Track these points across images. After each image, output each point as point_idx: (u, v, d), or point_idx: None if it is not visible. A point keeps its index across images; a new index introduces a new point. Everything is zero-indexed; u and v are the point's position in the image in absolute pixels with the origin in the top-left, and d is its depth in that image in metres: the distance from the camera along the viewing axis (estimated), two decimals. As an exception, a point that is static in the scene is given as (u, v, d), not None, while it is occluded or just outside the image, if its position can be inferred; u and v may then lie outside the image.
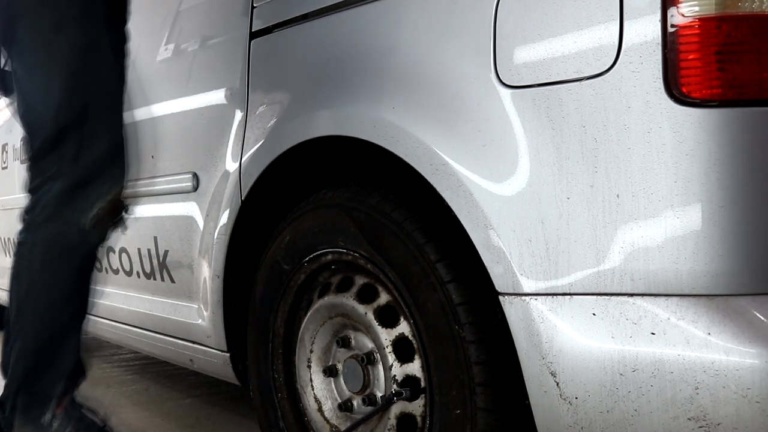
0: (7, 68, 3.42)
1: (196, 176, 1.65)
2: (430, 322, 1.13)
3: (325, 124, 1.30)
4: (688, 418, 0.88)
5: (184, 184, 1.68)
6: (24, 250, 1.31)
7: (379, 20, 1.24)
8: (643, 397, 0.91)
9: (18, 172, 2.79)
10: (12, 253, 1.38)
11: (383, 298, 1.28)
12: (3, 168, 2.97)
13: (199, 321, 1.67)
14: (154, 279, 1.85)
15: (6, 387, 1.33)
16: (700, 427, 0.88)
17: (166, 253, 1.79)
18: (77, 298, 1.33)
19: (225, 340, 1.60)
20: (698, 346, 0.87)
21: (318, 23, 1.36)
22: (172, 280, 1.78)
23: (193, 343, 1.71)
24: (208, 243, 1.60)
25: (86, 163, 1.26)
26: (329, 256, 1.34)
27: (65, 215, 1.27)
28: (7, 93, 3.18)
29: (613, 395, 0.93)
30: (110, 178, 1.28)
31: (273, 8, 1.49)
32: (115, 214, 1.31)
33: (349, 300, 1.31)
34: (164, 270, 1.80)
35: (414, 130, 1.13)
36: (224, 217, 1.55)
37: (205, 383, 2.58)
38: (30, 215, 1.31)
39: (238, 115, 1.53)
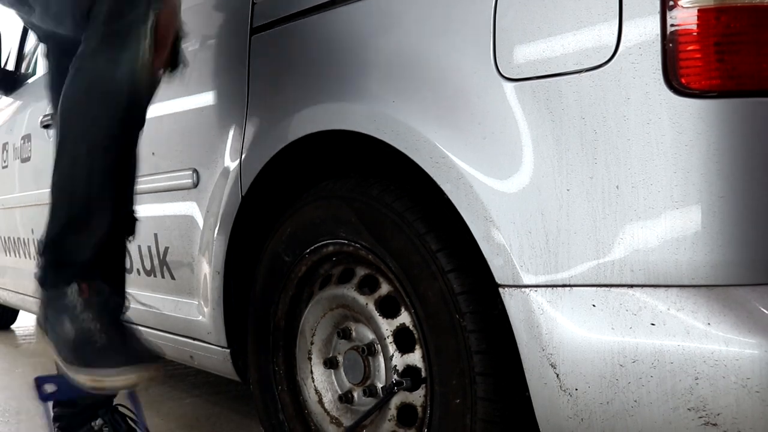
0: (7, 68, 3.43)
1: (196, 173, 1.65)
2: (431, 311, 1.13)
3: (325, 119, 1.30)
4: (688, 409, 0.88)
5: (184, 181, 1.68)
6: (68, 81, 1.26)
7: (379, 15, 1.24)
8: (643, 388, 0.91)
9: (18, 172, 2.79)
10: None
11: (384, 288, 1.28)
12: (3, 167, 2.98)
13: (200, 317, 1.67)
14: (155, 276, 1.85)
15: (42, 237, 1.30)
16: (700, 417, 0.88)
17: (166, 250, 1.79)
18: (117, 152, 1.27)
19: (225, 337, 1.60)
20: (698, 337, 0.88)
21: (318, 18, 1.36)
22: (173, 277, 1.78)
23: (194, 339, 1.71)
24: (209, 239, 1.60)
25: (119, 22, 1.23)
26: (330, 248, 1.34)
27: (108, 54, 1.22)
28: (7, 92, 3.19)
29: (613, 386, 0.93)
30: (144, 26, 1.24)
31: (273, 4, 1.50)
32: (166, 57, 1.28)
33: (350, 291, 1.31)
34: (164, 267, 1.81)
35: (414, 124, 1.13)
36: (224, 214, 1.55)
37: (205, 383, 2.58)
38: (75, 58, 1.26)
39: (239, 110, 1.54)
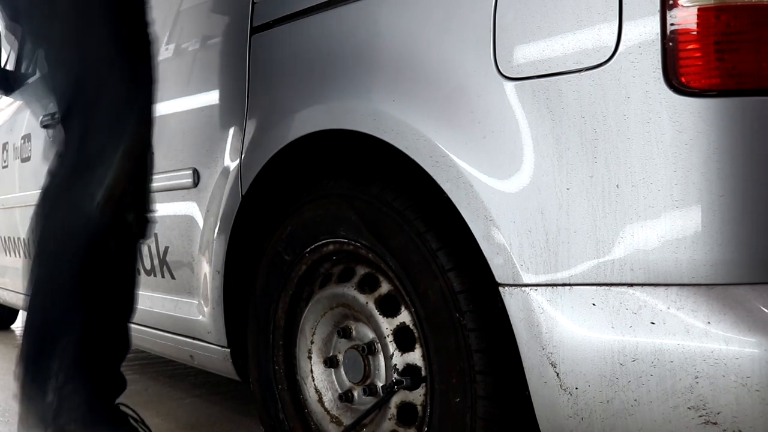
0: (8, 67, 3.42)
1: (196, 172, 1.65)
2: (431, 310, 1.13)
3: (325, 118, 1.30)
4: (688, 407, 0.88)
5: (184, 180, 1.68)
6: (37, 213, 1.33)
7: (379, 14, 1.24)
8: (643, 387, 0.91)
9: (18, 171, 2.79)
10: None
11: (384, 287, 1.28)
12: (3, 167, 2.98)
13: (200, 317, 1.67)
14: (155, 276, 1.85)
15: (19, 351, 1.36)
16: (700, 416, 0.88)
17: (166, 249, 1.79)
18: (79, 291, 1.33)
19: (225, 336, 1.60)
20: (698, 336, 0.88)
21: (318, 18, 1.37)
22: (173, 277, 1.78)
23: (194, 339, 1.72)
24: (209, 239, 1.60)
25: (89, 148, 1.27)
26: (330, 246, 1.34)
27: (70, 199, 1.28)
28: (7, 92, 3.19)
29: (613, 385, 0.93)
30: (111, 165, 1.28)
31: (273, 3, 1.50)
32: (121, 205, 1.31)
33: (350, 290, 1.32)
34: (164, 266, 1.81)
35: (414, 123, 1.13)
36: (224, 213, 1.55)
37: (205, 383, 2.57)
38: (38, 205, 1.32)
39: (239, 110, 1.54)
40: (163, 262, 1.81)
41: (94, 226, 1.28)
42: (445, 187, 1.09)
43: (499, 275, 1.03)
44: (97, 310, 1.33)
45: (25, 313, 1.38)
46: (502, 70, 1.04)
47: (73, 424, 1.29)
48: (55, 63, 1.32)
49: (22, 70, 3.29)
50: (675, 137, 0.89)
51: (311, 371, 1.42)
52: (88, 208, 1.27)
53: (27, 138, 2.69)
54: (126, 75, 1.31)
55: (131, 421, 1.68)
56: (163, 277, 1.82)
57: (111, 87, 1.29)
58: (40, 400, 1.29)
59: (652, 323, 0.90)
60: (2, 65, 3.35)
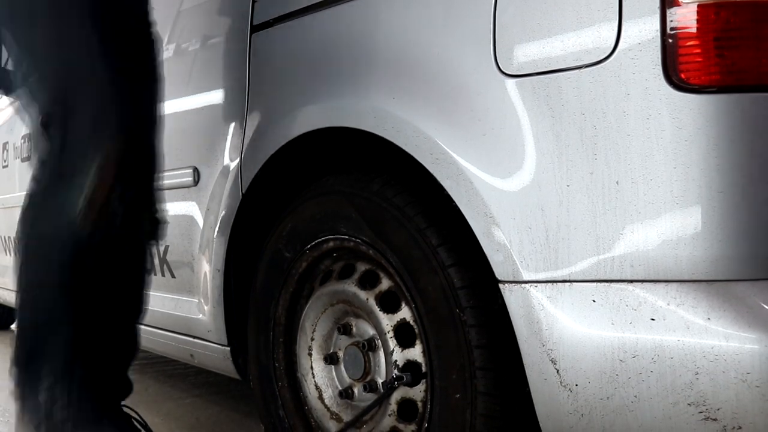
0: (8, 67, 3.42)
1: (196, 170, 1.65)
2: (432, 306, 1.14)
3: (325, 116, 1.30)
4: (688, 404, 0.88)
5: (184, 179, 1.68)
6: (21, 218, 1.34)
7: (378, 12, 1.24)
8: (643, 383, 0.91)
9: (18, 171, 2.79)
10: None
11: (385, 283, 1.28)
12: (3, 167, 2.98)
13: (200, 316, 1.67)
14: (155, 275, 1.85)
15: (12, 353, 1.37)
16: (700, 412, 0.88)
17: (166, 248, 1.79)
18: (72, 290, 1.33)
19: (225, 335, 1.60)
20: (698, 332, 0.88)
21: (318, 16, 1.37)
22: (173, 276, 1.78)
23: (194, 337, 1.72)
24: (209, 237, 1.60)
25: (69, 157, 1.28)
26: (331, 243, 1.34)
27: (53, 206, 1.29)
28: (7, 92, 3.19)
29: (613, 382, 0.93)
30: (89, 173, 1.28)
31: (274, 2, 1.50)
32: (103, 212, 1.32)
33: (350, 286, 1.32)
34: (165, 265, 1.81)
35: (414, 121, 1.13)
36: (225, 212, 1.55)
37: (205, 383, 2.57)
38: (24, 211, 1.33)
39: (239, 108, 1.54)
40: (163, 260, 1.81)
41: (77, 232, 1.27)
42: (446, 184, 1.09)
43: (499, 272, 1.03)
44: (90, 311, 1.33)
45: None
46: (502, 68, 1.04)
47: (68, 423, 1.29)
48: (36, 70, 1.32)
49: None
50: (675, 134, 0.89)
51: (311, 368, 1.42)
52: (71, 214, 1.26)
53: (27, 137, 2.69)
54: (106, 82, 1.30)
55: (134, 422, 1.68)
56: (163, 275, 1.82)
57: (90, 97, 1.29)
58: (33, 400, 1.30)
59: (652, 320, 0.91)
60: (2, 65, 3.34)
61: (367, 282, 1.31)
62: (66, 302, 1.32)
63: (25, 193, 1.34)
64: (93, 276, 1.33)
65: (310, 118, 1.33)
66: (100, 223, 1.30)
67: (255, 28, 1.53)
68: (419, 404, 1.22)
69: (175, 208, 1.74)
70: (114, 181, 1.30)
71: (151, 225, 1.41)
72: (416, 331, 1.22)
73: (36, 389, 1.30)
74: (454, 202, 1.08)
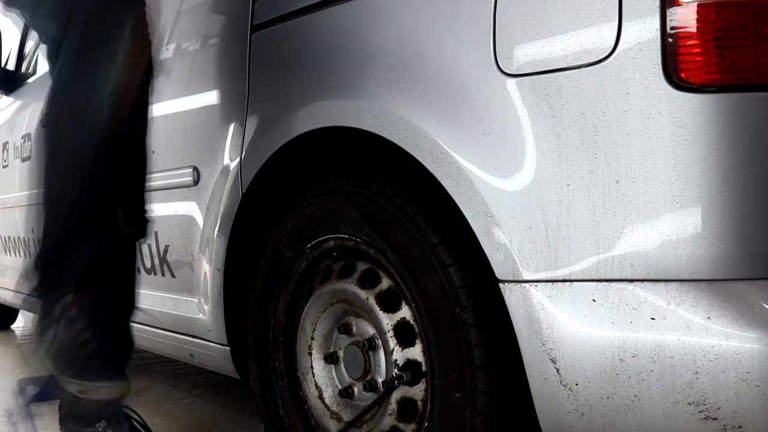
0: (8, 67, 3.43)
1: (196, 170, 1.65)
2: (432, 305, 1.14)
3: (325, 116, 1.30)
4: (688, 403, 0.88)
5: (184, 179, 1.68)
6: (49, 97, 1.32)
7: (378, 11, 1.24)
8: (643, 383, 0.91)
9: (19, 171, 2.79)
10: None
11: (385, 283, 1.28)
12: (4, 166, 2.98)
13: (200, 315, 1.67)
14: (155, 274, 1.85)
15: (37, 252, 1.38)
16: (700, 411, 0.88)
17: (166, 248, 1.79)
18: (103, 169, 1.31)
19: (225, 334, 1.60)
20: (698, 331, 0.88)
21: (318, 15, 1.37)
22: (173, 275, 1.78)
23: (194, 337, 1.72)
24: (209, 237, 1.60)
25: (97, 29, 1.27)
26: (331, 242, 1.34)
27: (86, 69, 1.27)
28: (7, 92, 3.20)
29: (614, 381, 0.93)
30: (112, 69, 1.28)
31: (274, 2, 1.50)
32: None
33: (350, 286, 1.32)
34: (165, 265, 1.81)
35: (414, 120, 1.13)
36: (225, 211, 1.55)
37: (206, 383, 2.57)
38: (54, 72, 1.31)
39: (239, 108, 1.54)
40: (163, 260, 1.81)
41: (112, 98, 1.26)
42: (446, 183, 1.09)
43: (499, 271, 1.03)
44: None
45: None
46: (502, 67, 1.04)
47: (90, 330, 1.29)
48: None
49: (23, 70, 3.30)
50: (675, 133, 0.89)
51: (311, 367, 1.42)
52: (104, 82, 1.26)
53: (27, 137, 2.69)
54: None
55: (134, 423, 1.68)
56: (163, 275, 1.82)
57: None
58: (55, 310, 1.30)
59: (652, 319, 0.91)
60: (2, 65, 3.35)
61: (367, 281, 1.31)
62: (98, 193, 1.31)
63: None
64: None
65: (310, 118, 1.33)
66: (138, 88, 1.30)
67: (255, 28, 1.53)
68: (419, 403, 1.22)
69: (175, 207, 1.74)
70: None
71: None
72: (416, 330, 1.22)
73: (54, 297, 1.30)
74: (454, 201, 1.08)
